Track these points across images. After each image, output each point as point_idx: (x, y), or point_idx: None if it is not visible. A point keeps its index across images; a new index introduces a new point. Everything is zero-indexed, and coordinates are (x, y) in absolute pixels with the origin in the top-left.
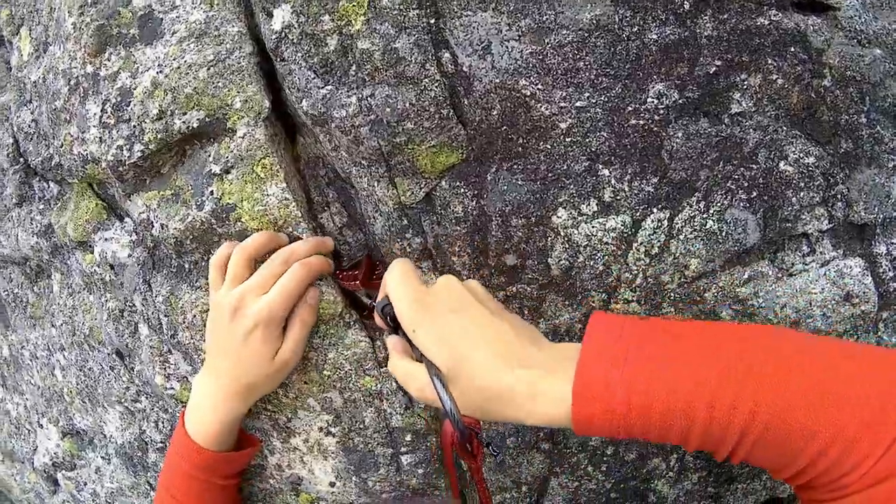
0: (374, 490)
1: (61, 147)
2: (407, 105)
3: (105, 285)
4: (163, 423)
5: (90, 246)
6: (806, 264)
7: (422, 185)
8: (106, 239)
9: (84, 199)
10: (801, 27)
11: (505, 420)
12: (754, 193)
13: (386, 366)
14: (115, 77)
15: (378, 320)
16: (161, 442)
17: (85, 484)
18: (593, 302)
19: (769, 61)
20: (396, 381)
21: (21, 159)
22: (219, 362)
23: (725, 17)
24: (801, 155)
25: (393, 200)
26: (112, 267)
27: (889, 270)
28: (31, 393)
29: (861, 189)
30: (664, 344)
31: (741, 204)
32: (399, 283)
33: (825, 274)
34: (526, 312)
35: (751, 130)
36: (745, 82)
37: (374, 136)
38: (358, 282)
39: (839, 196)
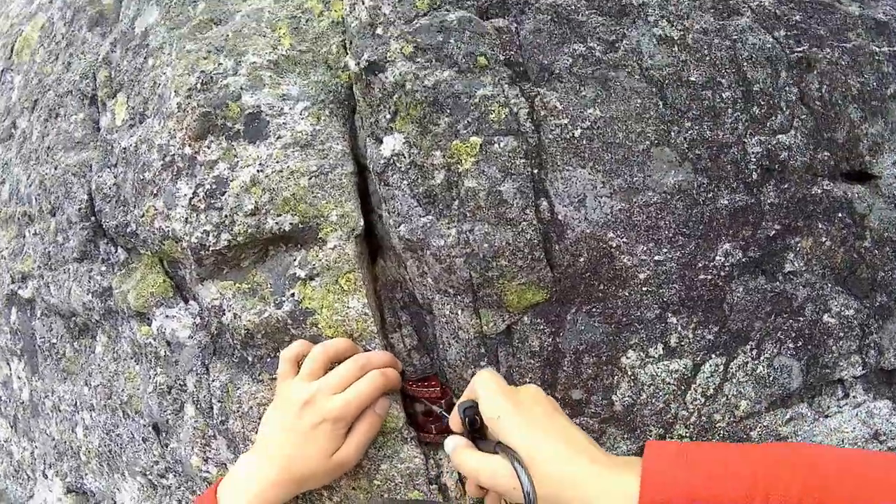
0: None
1: (142, 217)
2: (503, 244)
3: (157, 359)
4: (187, 502)
5: (148, 318)
6: (840, 407)
7: (504, 318)
8: (168, 316)
9: (152, 273)
10: (848, 195)
11: None
12: (800, 343)
13: (436, 483)
14: (213, 165)
15: (455, 422)
16: None
17: None
18: (651, 436)
19: (820, 226)
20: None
21: (92, 217)
22: (275, 450)
23: (786, 186)
24: (843, 308)
25: (475, 329)
26: (169, 344)
27: None
28: (42, 442)
29: (892, 338)
30: (720, 452)
31: (788, 352)
32: (489, 379)
33: (857, 415)
34: None
35: (800, 287)
36: (798, 244)
37: (467, 267)
38: (437, 395)
39: (872, 345)
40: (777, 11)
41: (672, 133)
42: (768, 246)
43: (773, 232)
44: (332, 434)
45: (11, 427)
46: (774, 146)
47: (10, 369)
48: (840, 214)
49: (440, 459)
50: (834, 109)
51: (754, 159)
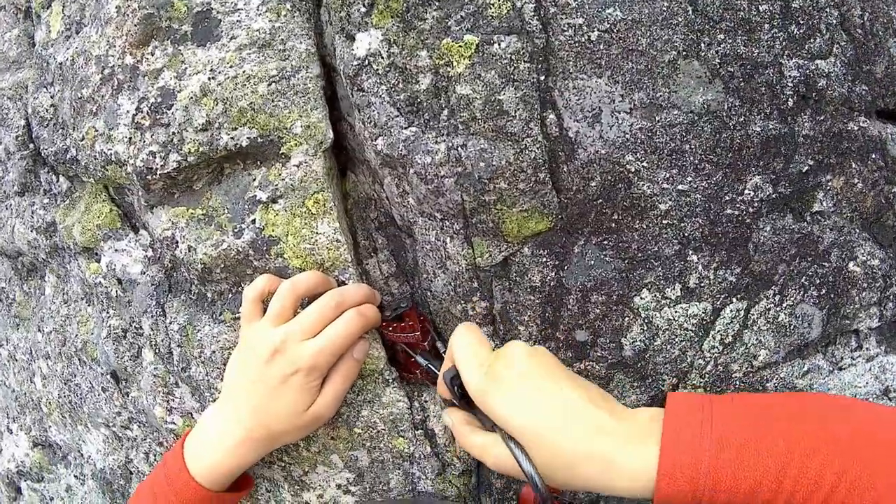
0: None
1: (81, 141)
2: (503, 163)
3: (109, 300)
4: (155, 455)
5: (97, 254)
6: (854, 359)
7: (502, 249)
8: (116, 250)
9: (97, 202)
10: (882, 135)
11: (580, 489)
12: (823, 291)
13: (421, 428)
14: (157, 74)
15: (443, 389)
16: (149, 473)
17: (52, 499)
18: (663, 385)
19: (853, 165)
20: (470, 455)
21: (31, 145)
22: (243, 403)
23: (822, 118)
24: (868, 257)
25: (466, 260)
26: (120, 282)
27: None
28: (2, 395)
29: None
30: (747, 421)
31: (812, 300)
32: (466, 349)
33: (870, 369)
34: None
35: (827, 230)
36: (830, 183)
37: (459, 189)
38: (417, 340)
39: (892, 297)
40: None
41: (702, 45)
42: (800, 182)
43: (807, 167)
44: (305, 386)
45: None
46: (813, 72)
47: None
48: (874, 155)
49: (425, 402)
50: (874, 40)
51: (791, 84)
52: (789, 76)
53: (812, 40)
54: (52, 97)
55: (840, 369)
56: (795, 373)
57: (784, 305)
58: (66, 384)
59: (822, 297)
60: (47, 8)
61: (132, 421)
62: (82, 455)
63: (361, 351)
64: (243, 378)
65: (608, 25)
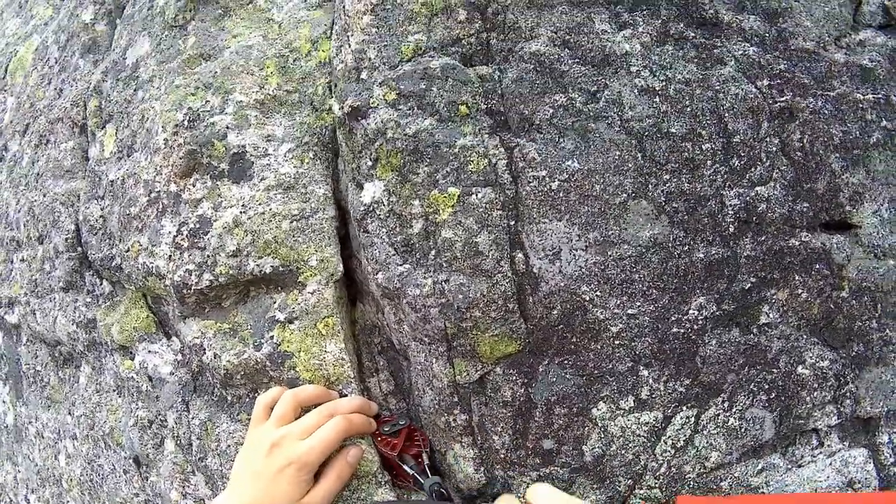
0: None
1: (126, 252)
2: (478, 295)
3: (139, 393)
4: None
5: (132, 353)
6: (814, 456)
7: (478, 368)
8: (150, 351)
9: (135, 308)
10: (827, 246)
11: None
12: (773, 394)
13: None
14: (197, 203)
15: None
16: None
17: None
18: (620, 487)
19: (797, 277)
20: None
21: (79, 248)
22: (245, 489)
23: (763, 238)
24: (817, 359)
25: (448, 378)
26: (150, 379)
27: (890, 457)
28: (25, 467)
29: (868, 386)
30: None
31: (761, 404)
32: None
33: (831, 464)
34: None
35: (775, 339)
36: (775, 297)
37: (442, 317)
38: (395, 452)
39: (848, 394)
40: (761, 60)
41: (650, 186)
42: (743, 299)
43: (749, 285)
44: (296, 479)
45: None
46: (753, 198)
47: None
48: (818, 266)
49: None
50: (815, 159)
51: (732, 212)
52: (730, 205)
53: (753, 169)
54: (101, 209)
55: (799, 466)
56: (750, 472)
57: (733, 410)
58: (89, 464)
59: (772, 401)
60: (102, 128)
61: (148, 503)
62: None
63: (355, 456)
64: (247, 470)
65: (567, 175)
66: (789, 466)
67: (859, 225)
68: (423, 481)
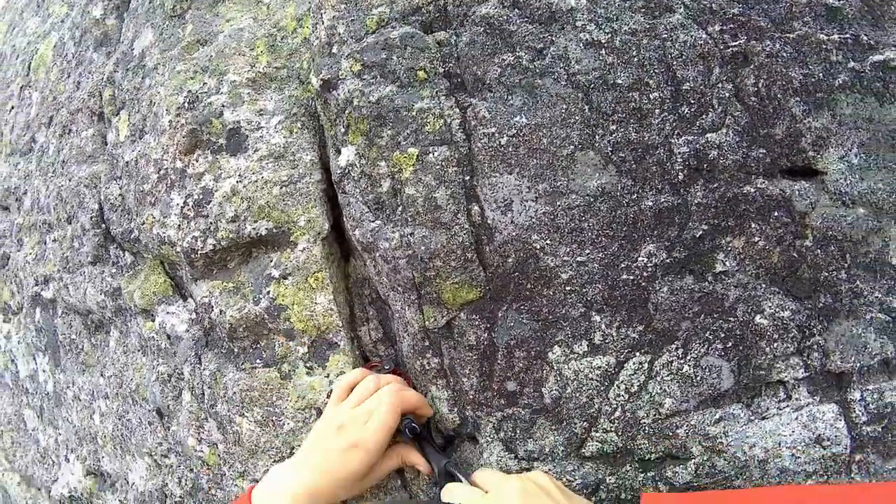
0: None
1: (142, 225)
2: (439, 246)
3: (159, 351)
4: (186, 480)
5: (152, 315)
6: (780, 409)
7: (444, 314)
8: (168, 312)
9: (154, 274)
10: (787, 192)
11: None
12: (730, 343)
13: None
14: (200, 177)
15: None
16: (180, 497)
17: None
18: (576, 428)
19: (753, 225)
20: None
21: (102, 225)
22: (313, 457)
23: (715, 185)
24: (777, 309)
25: (419, 324)
26: (169, 337)
27: (863, 415)
28: (65, 429)
29: (838, 340)
30: None
31: (717, 352)
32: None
33: (797, 418)
34: (518, 432)
35: (732, 287)
36: (730, 244)
37: (409, 267)
38: None
39: (815, 347)
40: (713, 5)
41: (597, 137)
42: (695, 247)
43: (701, 232)
44: (364, 460)
45: (38, 416)
46: (703, 145)
47: (36, 363)
48: (776, 213)
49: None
50: (773, 104)
51: (681, 160)
52: (679, 153)
53: (703, 116)
54: (120, 188)
55: (763, 419)
56: (707, 420)
57: (688, 358)
58: (119, 419)
59: (729, 350)
60: (117, 115)
61: (170, 451)
62: (128, 482)
63: (408, 456)
64: (320, 444)
65: (515, 130)
66: (752, 418)
67: (824, 171)
68: (402, 420)
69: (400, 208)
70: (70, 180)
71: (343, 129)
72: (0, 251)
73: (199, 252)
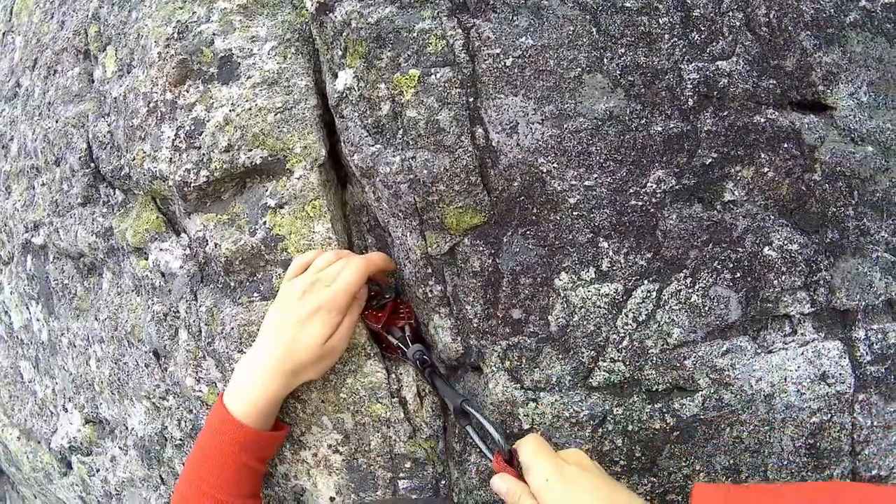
0: None
1: (133, 160)
2: (441, 170)
3: (154, 290)
4: (185, 422)
5: (145, 253)
6: (785, 344)
7: (447, 240)
8: (161, 249)
9: (146, 211)
10: (796, 125)
11: None
12: (738, 274)
13: (397, 396)
14: (191, 107)
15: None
16: (180, 439)
17: (98, 470)
18: (583, 357)
19: (762, 155)
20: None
21: (92, 164)
22: (273, 339)
23: (725, 114)
24: (786, 242)
25: (421, 250)
26: (163, 275)
27: (867, 355)
28: (61, 378)
29: (844, 277)
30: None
31: (725, 283)
32: (537, 447)
33: (802, 353)
34: (524, 361)
35: (740, 217)
36: (739, 174)
37: (411, 192)
38: (380, 325)
39: (822, 282)
40: None
41: (605, 59)
42: (704, 174)
43: (710, 160)
44: (327, 321)
45: (34, 367)
46: (713, 73)
47: (30, 313)
48: (786, 145)
49: (401, 374)
50: (783, 36)
51: (691, 86)
52: (689, 79)
53: (713, 44)
54: (108, 125)
55: (769, 352)
56: (715, 352)
57: (696, 287)
58: (116, 363)
59: (737, 280)
60: (103, 51)
61: (168, 392)
62: (127, 428)
63: (363, 295)
64: (274, 321)
65: (521, 52)
66: (758, 351)
67: (834, 106)
68: (406, 350)
69: (401, 131)
70: (57, 122)
71: (340, 53)
72: None
73: (191, 185)
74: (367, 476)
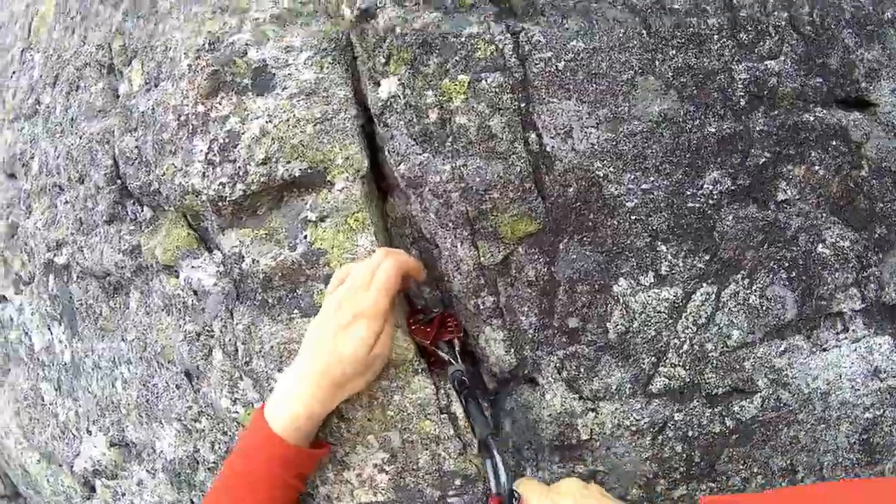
0: None
1: (163, 175)
2: (495, 177)
3: (185, 308)
4: (219, 444)
5: (176, 271)
6: (838, 341)
7: (501, 249)
8: (193, 266)
9: (176, 228)
10: (843, 122)
11: None
12: (794, 273)
13: (446, 412)
14: (224, 120)
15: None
16: (213, 462)
17: (123, 494)
18: (643, 364)
19: (813, 153)
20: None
21: (118, 180)
22: (313, 353)
23: (776, 113)
24: (838, 239)
25: (473, 261)
26: (196, 293)
27: None
28: (85, 400)
29: (893, 271)
30: None
31: (781, 282)
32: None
33: (855, 350)
34: (582, 371)
35: (794, 216)
36: (791, 172)
37: (463, 201)
38: (429, 340)
39: (872, 278)
40: None
41: (656, 62)
42: (758, 174)
43: (764, 159)
44: (369, 329)
45: (56, 389)
46: (763, 72)
47: (52, 334)
48: (834, 142)
49: (450, 389)
50: (826, 34)
51: (742, 86)
52: (740, 79)
53: (761, 44)
54: (136, 140)
55: (824, 350)
56: (773, 352)
57: (754, 288)
58: (144, 385)
59: (793, 279)
60: (128, 65)
61: (201, 414)
62: (155, 451)
63: (399, 301)
64: (313, 337)
65: (572, 55)
66: (813, 350)
67: (877, 103)
68: (452, 363)
69: (450, 139)
70: (80, 138)
71: (383, 60)
72: (8, 220)
73: (227, 199)
74: (415, 495)
